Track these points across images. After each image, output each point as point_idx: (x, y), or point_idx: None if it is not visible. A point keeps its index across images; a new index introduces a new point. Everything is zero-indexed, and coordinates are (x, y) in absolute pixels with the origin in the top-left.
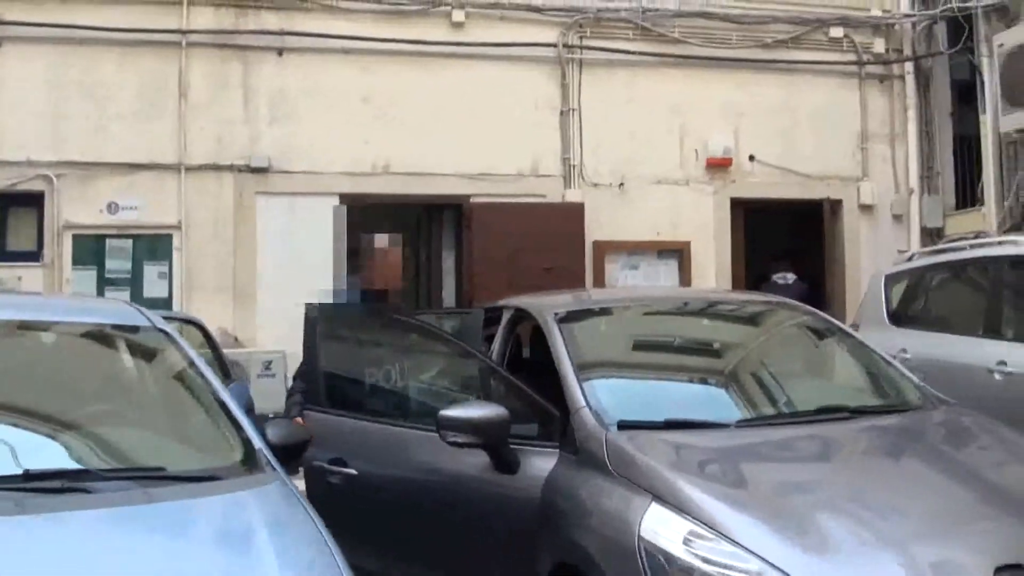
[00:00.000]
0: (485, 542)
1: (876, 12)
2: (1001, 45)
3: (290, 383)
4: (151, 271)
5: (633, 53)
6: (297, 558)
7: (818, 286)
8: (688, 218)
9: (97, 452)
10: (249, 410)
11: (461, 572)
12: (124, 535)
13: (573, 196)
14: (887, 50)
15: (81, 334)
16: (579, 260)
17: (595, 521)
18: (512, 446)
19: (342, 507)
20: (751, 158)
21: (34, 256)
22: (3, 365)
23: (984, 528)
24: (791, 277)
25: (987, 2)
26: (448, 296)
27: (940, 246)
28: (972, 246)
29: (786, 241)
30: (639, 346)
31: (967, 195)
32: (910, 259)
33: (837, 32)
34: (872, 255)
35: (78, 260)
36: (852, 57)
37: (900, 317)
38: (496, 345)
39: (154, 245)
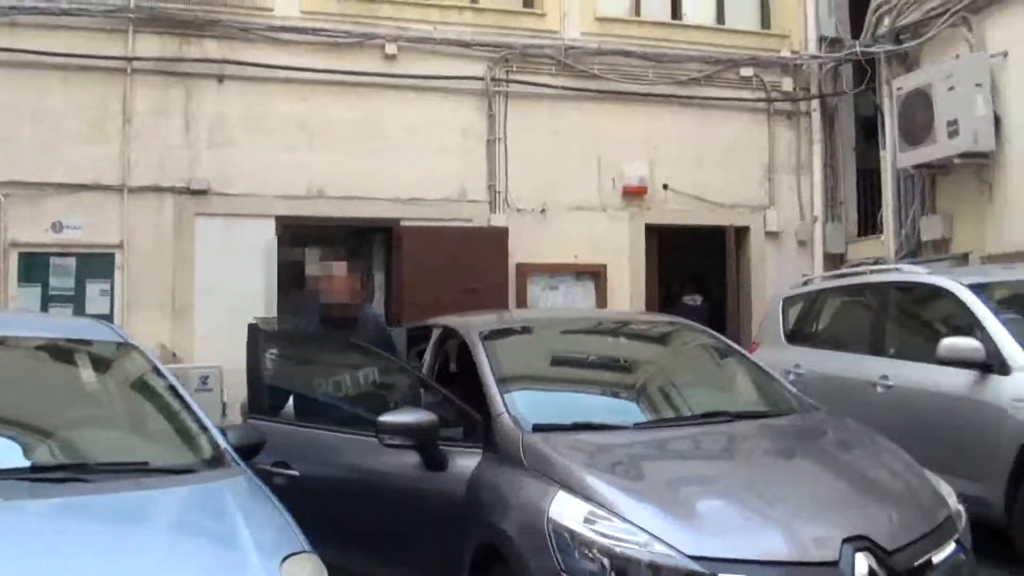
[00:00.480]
0: (417, 531)
1: (785, 53)
2: (900, 89)
3: (226, 396)
4: (93, 289)
5: (556, 87)
6: (268, 536)
7: (721, 307)
8: (605, 243)
9: (90, 450)
10: None
11: (396, 558)
12: (120, 514)
13: (498, 221)
14: (795, 88)
15: (66, 348)
16: (503, 281)
17: (512, 507)
18: (440, 447)
19: (286, 504)
20: (665, 187)
21: None
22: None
23: (838, 509)
24: (699, 299)
25: (889, 48)
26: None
27: (840, 271)
28: (872, 271)
29: (697, 265)
30: (553, 360)
31: (868, 223)
32: (806, 283)
33: (748, 71)
34: (778, 278)
35: (24, 277)
36: (761, 95)
37: (795, 336)
38: (427, 359)
39: (97, 263)
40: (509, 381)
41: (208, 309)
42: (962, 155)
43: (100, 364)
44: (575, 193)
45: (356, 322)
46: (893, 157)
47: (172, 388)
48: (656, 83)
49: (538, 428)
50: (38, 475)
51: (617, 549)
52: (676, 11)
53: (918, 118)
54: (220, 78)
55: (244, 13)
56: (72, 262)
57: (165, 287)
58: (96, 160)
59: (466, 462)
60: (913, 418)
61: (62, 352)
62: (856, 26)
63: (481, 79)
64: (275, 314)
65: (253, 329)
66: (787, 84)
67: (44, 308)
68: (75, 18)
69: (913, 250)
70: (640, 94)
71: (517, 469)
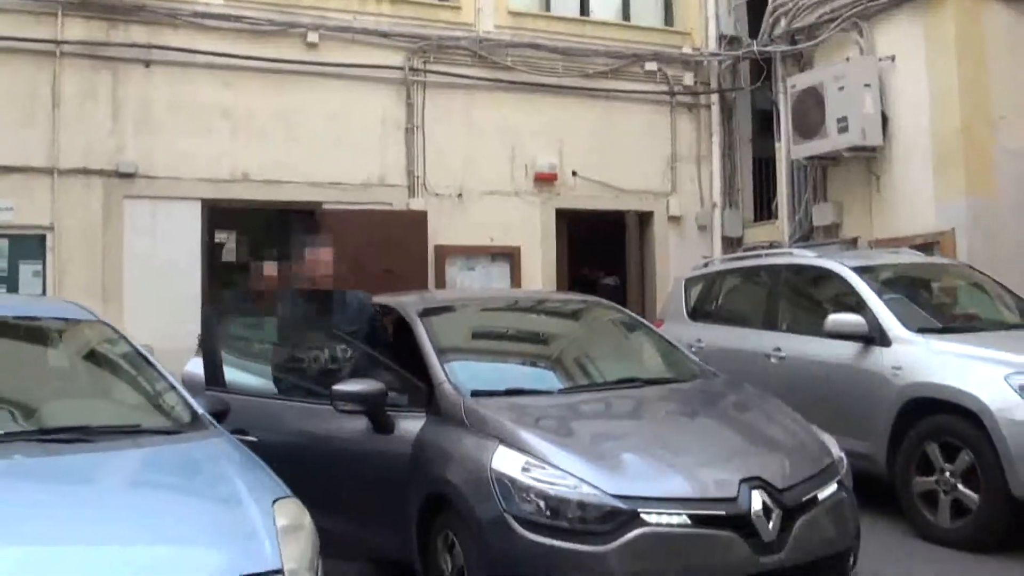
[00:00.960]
0: (367, 488)
1: (687, 50)
2: (794, 86)
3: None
4: (26, 270)
5: (471, 78)
6: (256, 483)
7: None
8: (518, 226)
9: (86, 416)
10: None
11: (349, 513)
12: (126, 469)
13: (417, 204)
14: (696, 83)
15: (47, 326)
16: (422, 262)
17: (458, 461)
18: (388, 412)
19: None
20: (574, 174)
21: None
22: None
23: (736, 457)
24: (615, 280)
25: (784, 48)
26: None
27: (737, 254)
28: (767, 254)
29: (603, 248)
30: (484, 335)
31: (764, 210)
32: (705, 265)
33: (652, 66)
34: (680, 260)
35: None
36: (664, 88)
37: (697, 313)
38: (367, 335)
39: (28, 245)
40: (446, 353)
41: (137, 289)
42: (851, 149)
43: (80, 340)
44: (490, 179)
45: (335, 305)
46: (787, 149)
47: (147, 360)
48: (565, 76)
49: (476, 394)
50: (47, 437)
51: (551, 491)
52: (584, 7)
53: (811, 114)
54: (147, 63)
55: None
56: (4, 243)
57: (95, 268)
58: (26, 143)
59: (411, 425)
60: (804, 385)
61: (44, 330)
62: (754, 26)
63: (400, 69)
64: (200, 292)
65: (208, 312)
66: (688, 79)
67: None
68: (4, 1)
69: (805, 235)
70: (550, 86)
71: (460, 429)
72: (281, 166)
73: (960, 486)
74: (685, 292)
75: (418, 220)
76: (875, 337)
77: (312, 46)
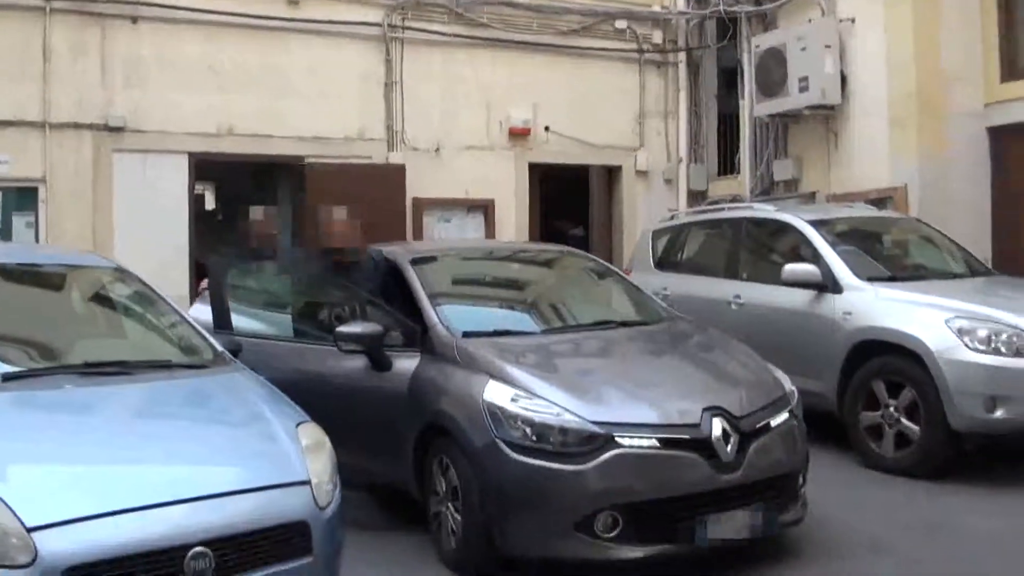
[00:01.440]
0: (368, 420)
1: (656, 8)
2: (758, 46)
3: None
4: (19, 221)
5: (448, 35)
6: (281, 409)
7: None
8: (493, 179)
9: (122, 352)
10: None
11: (349, 444)
12: (167, 397)
13: (396, 158)
14: (664, 41)
15: (77, 273)
16: (401, 214)
17: (452, 394)
18: (386, 351)
19: None
20: (547, 129)
21: None
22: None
23: (699, 390)
24: (581, 230)
25: (749, 9)
26: (285, 244)
27: (701, 207)
28: (729, 208)
29: (574, 200)
30: (469, 281)
31: (728, 164)
32: (672, 218)
33: (622, 24)
34: (647, 212)
35: None
36: (634, 46)
37: (663, 263)
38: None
39: (22, 197)
40: (437, 298)
41: (126, 240)
42: (811, 107)
43: (106, 286)
44: (466, 134)
45: (358, 264)
46: (751, 106)
47: (168, 303)
48: (540, 33)
49: (467, 335)
50: (92, 370)
51: (536, 419)
52: None
53: (774, 73)
54: (134, 19)
55: None
56: None
57: (86, 219)
58: (18, 97)
59: (406, 363)
60: (762, 329)
61: (73, 276)
62: None
63: (379, 25)
64: (188, 244)
65: (215, 261)
66: (657, 37)
67: None
68: None
69: (767, 189)
70: (525, 43)
71: (453, 366)
72: (266, 121)
73: (903, 420)
74: (652, 243)
75: (397, 173)
76: (828, 285)
77: (294, 3)
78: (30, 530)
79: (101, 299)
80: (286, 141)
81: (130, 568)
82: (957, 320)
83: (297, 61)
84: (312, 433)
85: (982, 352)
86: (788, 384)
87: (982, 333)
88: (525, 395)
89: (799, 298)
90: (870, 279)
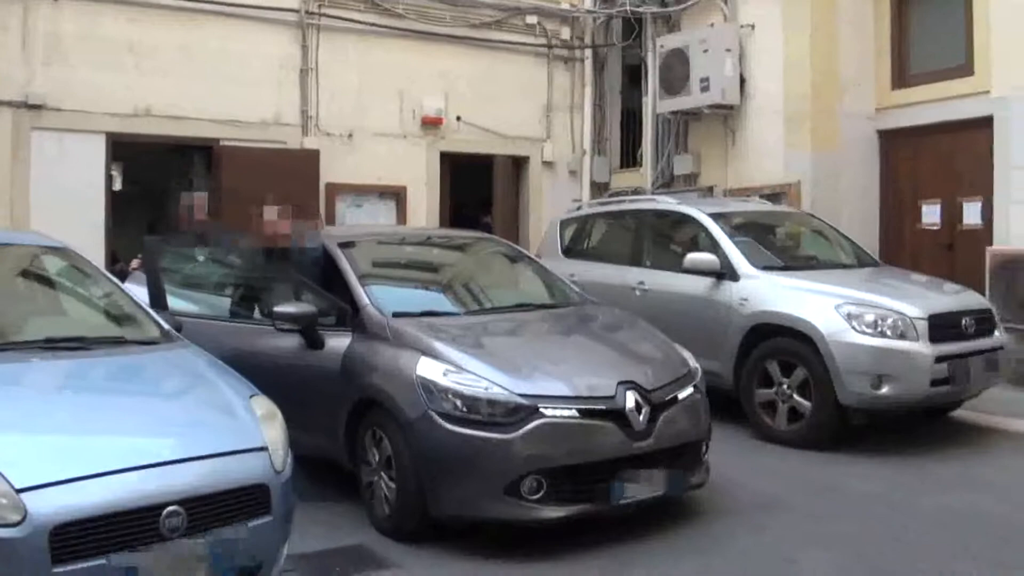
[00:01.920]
0: (301, 395)
1: (565, 6)
2: (662, 46)
3: None
4: None
5: (364, 23)
6: (233, 383)
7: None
8: (405, 167)
9: (77, 328)
10: None
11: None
12: (126, 370)
13: (310, 143)
14: (572, 37)
15: (24, 252)
16: (314, 199)
17: (385, 370)
18: (319, 331)
19: None
20: (458, 119)
21: None
22: None
23: (613, 366)
24: (488, 218)
25: (655, 10)
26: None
27: (605, 198)
28: (632, 200)
29: (483, 189)
30: (393, 264)
31: (630, 157)
32: (578, 208)
33: (532, 19)
34: (552, 202)
35: None
36: (543, 41)
37: (571, 251)
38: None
39: None
40: (366, 279)
41: (43, 218)
42: (711, 106)
43: (53, 264)
44: (379, 121)
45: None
46: (653, 103)
47: (113, 282)
48: (452, 25)
49: (397, 315)
50: (52, 345)
51: (466, 391)
52: None
53: (676, 73)
54: None
55: None
56: None
57: (3, 196)
58: None
59: (338, 342)
60: (664, 314)
61: (20, 256)
62: None
63: (296, 11)
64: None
65: (150, 241)
66: (565, 33)
67: None
68: None
69: (667, 182)
70: (438, 34)
71: (385, 344)
72: (182, 103)
73: (795, 396)
74: (560, 232)
75: (311, 158)
76: (726, 273)
77: None
78: (19, 491)
79: (47, 278)
80: (202, 123)
81: (112, 525)
82: (846, 306)
83: (215, 44)
84: (264, 405)
85: (869, 335)
86: (693, 361)
87: (869, 318)
88: (455, 370)
89: (699, 285)
90: (765, 268)
